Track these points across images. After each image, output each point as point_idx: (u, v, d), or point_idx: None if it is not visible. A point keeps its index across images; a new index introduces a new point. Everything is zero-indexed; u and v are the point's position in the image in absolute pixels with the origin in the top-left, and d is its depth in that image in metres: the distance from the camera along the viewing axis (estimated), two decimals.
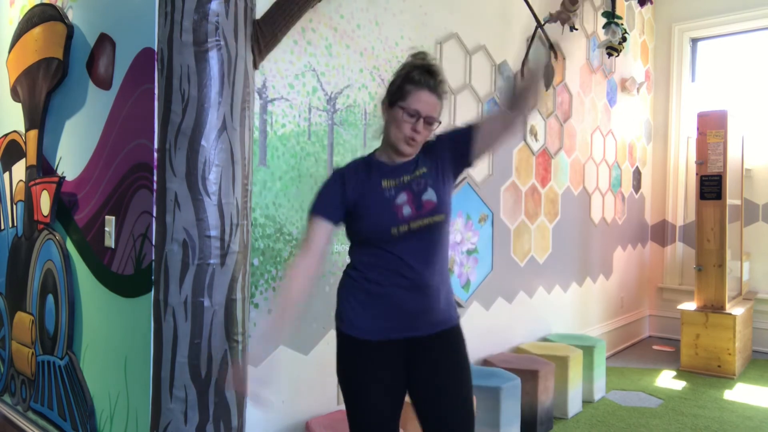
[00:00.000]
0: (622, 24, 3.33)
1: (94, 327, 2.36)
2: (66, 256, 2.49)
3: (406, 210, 1.55)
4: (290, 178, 2.29)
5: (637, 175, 5.17)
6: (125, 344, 2.17)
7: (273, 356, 2.25)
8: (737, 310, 4.23)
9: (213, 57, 1.74)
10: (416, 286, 1.56)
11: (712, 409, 3.44)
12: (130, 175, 2.14)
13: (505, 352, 3.42)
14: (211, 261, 1.76)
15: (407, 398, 1.66)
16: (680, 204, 5.30)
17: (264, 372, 1.63)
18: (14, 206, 2.95)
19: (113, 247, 2.23)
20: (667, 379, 4.04)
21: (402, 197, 1.56)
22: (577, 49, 4.18)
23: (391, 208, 1.55)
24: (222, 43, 1.75)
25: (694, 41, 5.34)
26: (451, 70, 3.06)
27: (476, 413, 2.58)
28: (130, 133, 2.14)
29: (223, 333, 1.78)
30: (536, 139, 3.76)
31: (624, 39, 3.33)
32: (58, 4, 2.52)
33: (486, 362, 3.17)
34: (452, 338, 1.64)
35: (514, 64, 3.53)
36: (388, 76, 2.67)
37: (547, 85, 3.28)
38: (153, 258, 1.88)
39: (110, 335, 2.25)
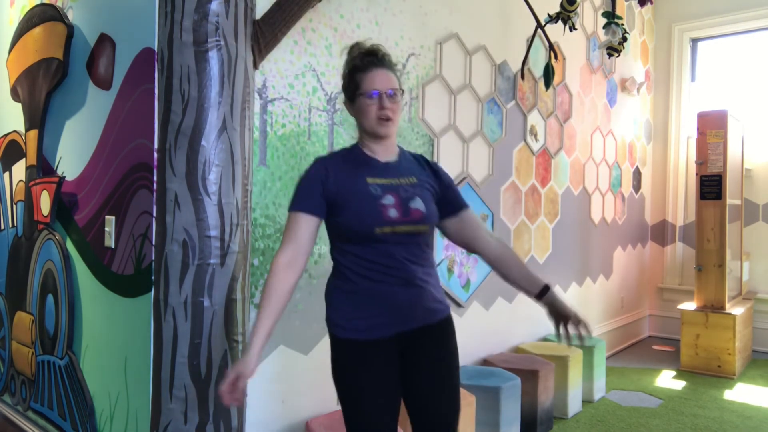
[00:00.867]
0: (622, 24, 3.33)
1: (94, 327, 2.36)
2: (66, 256, 2.49)
3: (393, 212, 1.53)
4: (290, 178, 2.29)
5: (637, 175, 5.17)
6: (125, 344, 2.17)
7: (273, 355, 2.25)
8: (737, 310, 4.23)
9: (213, 57, 1.74)
10: (405, 280, 1.56)
11: (712, 409, 3.44)
12: (130, 175, 2.14)
13: (505, 352, 3.42)
14: (211, 261, 1.76)
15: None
16: (680, 204, 5.30)
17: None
18: (14, 206, 2.95)
19: (113, 247, 2.23)
20: (667, 379, 4.04)
21: (389, 198, 1.55)
22: (578, 50, 4.18)
23: (375, 205, 1.53)
24: (222, 43, 1.75)
25: (694, 41, 5.34)
26: (451, 70, 3.06)
27: (474, 412, 2.58)
28: (130, 133, 2.14)
29: (223, 333, 1.78)
30: (536, 139, 3.76)
31: (624, 39, 3.33)
32: (58, 4, 2.52)
33: (486, 362, 3.17)
34: (438, 332, 1.64)
35: (514, 64, 3.54)
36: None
37: (548, 85, 3.28)
38: (153, 258, 1.88)
39: (110, 335, 2.25)
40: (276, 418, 2.27)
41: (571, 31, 3.19)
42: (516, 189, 3.60)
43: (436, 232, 1.77)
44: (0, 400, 3.01)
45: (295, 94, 2.31)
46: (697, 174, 4.38)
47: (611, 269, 4.73)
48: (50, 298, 2.59)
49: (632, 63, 5.01)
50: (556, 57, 3.36)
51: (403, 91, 1.61)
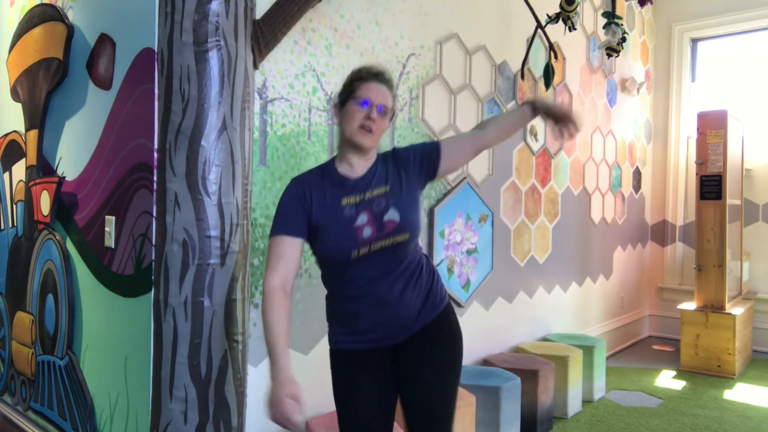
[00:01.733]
0: (622, 24, 3.33)
1: (94, 327, 2.36)
2: (66, 256, 2.49)
3: (367, 231, 1.51)
4: (290, 178, 2.28)
5: (637, 175, 5.17)
6: (125, 344, 2.17)
7: None
8: (737, 310, 4.23)
9: (213, 57, 1.74)
10: (380, 301, 1.55)
11: (712, 409, 3.44)
12: (130, 175, 2.14)
13: (505, 352, 3.42)
14: (211, 261, 1.76)
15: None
16: (680, 204, 5.30)
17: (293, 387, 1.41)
18: (14, 206, 2.95)
19: (113, 247, 2.23)
20: (667, 379, 4.04)
21: (362, 218, 1.52)
22: (578, 50, 4.18)
23: (350, 230, 1.51)
24: (222, 43, 1.75)
25: (694, 41, 5.34)
26: (451, 70, 3.06)
27: (474, 412, 2.58)
28: (130, 133, 2.14)
29: (223, 333, 1.78)
30: (536, 139, 3.76)
31: (624, 39, 3.33)
32: (58, 4, 2.52)
33: (486, 362, 3.17)
34: (432, 331, 1.63)
35: (514, 64, 3.54)
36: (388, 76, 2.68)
37: (548, 85, 3.28)
38: (153, 258, 1.88)
39: (110, 335, 2.25)
40: None
41: (570, 31, 3.19)
42: (516, 189, 3.60)
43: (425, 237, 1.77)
44: (0, 400, 3.01)
45: (295, 94, 2.31)
46: (697, 174, 4.38)
47: (611, 269, 4.73)
48: (50, 298, 2.59)
49: (632, 63, 5.01)
50: (556, 57, 3.36)
51: (394, 113, 1.61)
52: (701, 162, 4.33)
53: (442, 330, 1.65)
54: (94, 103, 2.35)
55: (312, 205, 1.54)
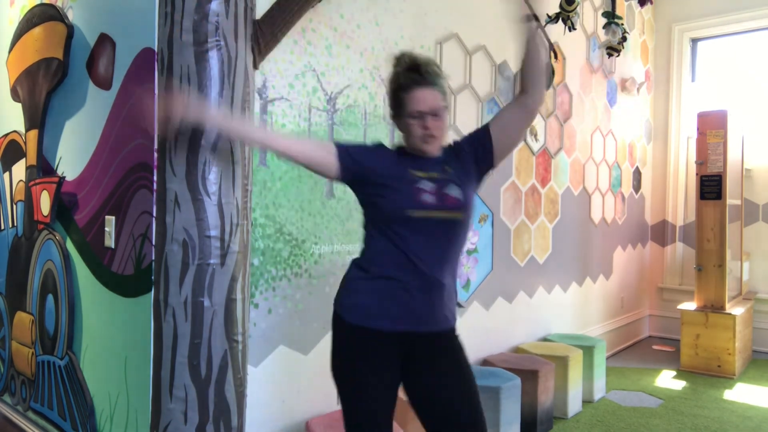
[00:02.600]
0: (622, 24, 3.33)
1: (94, 327, 2.36)
2: (66, 256, 2.49)
3: (428, 197, 1.54)
4: (290, 178, 2.29)
5: (637, 175, 5.17)
6: (125, 344, 2.17)
7: (273, 355, 2.25)
8: (737, 310, 4.23)
9: (213, 57, 1.74)
10: (428, 282, 1.55)
11: (712, 409, 3.44)
12: (130, 175, 2.14)
13: (505, 352, 3.42)
14: (211, 261, 1.75)
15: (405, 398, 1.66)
16: (680, 204, 5.30)
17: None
18: (14, 206, 2.95)
19: (113, 247, 2.23)
20: (667, 379, 4.04)
21: (425, 184, 1.56)
22: (577, 50, 4.18)
23: (412, 191, 1.55)
24: (222, 43, 1.75)
25: (694, 41, 5.34)
26: (451, 70, 3.06)
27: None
28: (130, 133, 2.14)
29: (223, 333, 1.78)
30: (536, 139, 3.76)
31: (624, 39, 3.33)
32: (58, 4, 2.52)
33: (486, 362, 3.17)
34: (451, 339, 1.64)
35: (514, 64, 3.53)
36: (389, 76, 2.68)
37: (548, 85, 3.28)
38: (153, 258, 1.88)
39: (110, 335, 2.25)
40: (276, 418, 2.27)
41: (570, 31, 3.19)
42: (516, 189, 3.60)
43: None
44: (0, 400, 3.01)
45: (295, 94, 2.31)
46: (697, 174, 4.38)
47: (611, 269, 4.73)
48: (50, 298, 2.59)
49: (632, 63, 5.01)
50: (556, 57, 3.36)
51: (446, 107, 1.62)
52: (701, 162, 4.33)
53: (460, 346, 1.65)
54: (94, 103, 2.35)
55: (383, 161, 1.60)
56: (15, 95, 2.87)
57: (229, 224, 1.78)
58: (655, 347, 4.96)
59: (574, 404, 3.30)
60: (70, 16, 2.47)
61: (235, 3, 1.78)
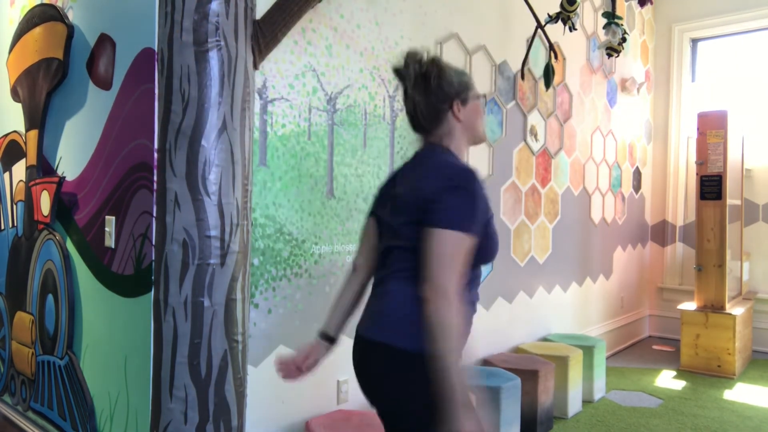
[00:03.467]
0: (622, 24, 3.33)
1: (94, 327, 2.36)
2: (66, 256, 2.49)
3: None
4: (290, 178, 2.29)
5: (637, 175, 5.17)
6: (125, 344, 2.17)
7: (273, 355, 2.25)
8: (737, 310, 4.23)
9: (213, 57, 1.74)
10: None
11: (712, 409, 3.44)
12: (130, 175, 2.14)
13: (505, 352, 3.42)
14: (211, 261, 1.76)
15: None
16: (680, 204, 5.30)
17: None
18: (14, 206, 2.95)
19: (113, 247, 2.23)
20: (667, 379, 4.04)
21: None
22: (578, 50, 4.18)
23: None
24: (222, 43, 1.75)
25: (694, 41, 5.34)
26: None
27: None
28: (130, 133, 2.14)
29: (223, 333, 1.78)
30: (536, 139, 3.76)
31: (624, 39, 3.33)
32: (58, 4, 2.52)
33: (486, 362, 3.17)
34: None
35: (514, 64, 3.54)
36: (389, 76, 2.68)
37: (548, 85, 3.28)
38: (153, 258, 1.88)
39: (110, 335, 2.26)
40: (276, 418, 2.27)
41: (571, 31, 3.19)
42: (516, 189, 3.60)
43: None
44: (0, 400, 3.01)
45: (295, 94, 2.31)
46: (697, 174, 4.38)
47: (611, 269, 4.73)
48: (50, 298, 2.59)
49: (632, 63, 5.01)
50: (556, 57, 3.36)
51: None
52: (701, 162, 4.33)
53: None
54: (94, 103, 2.35)
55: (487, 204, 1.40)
56: (15, 95, 2.87)
57: (229, 224, 1.78)
58: (655, 347, 4.96)
59: (574, 404, 3.30)
60: (70, 16, 2.47)
61: (236, 3, 1.78)
